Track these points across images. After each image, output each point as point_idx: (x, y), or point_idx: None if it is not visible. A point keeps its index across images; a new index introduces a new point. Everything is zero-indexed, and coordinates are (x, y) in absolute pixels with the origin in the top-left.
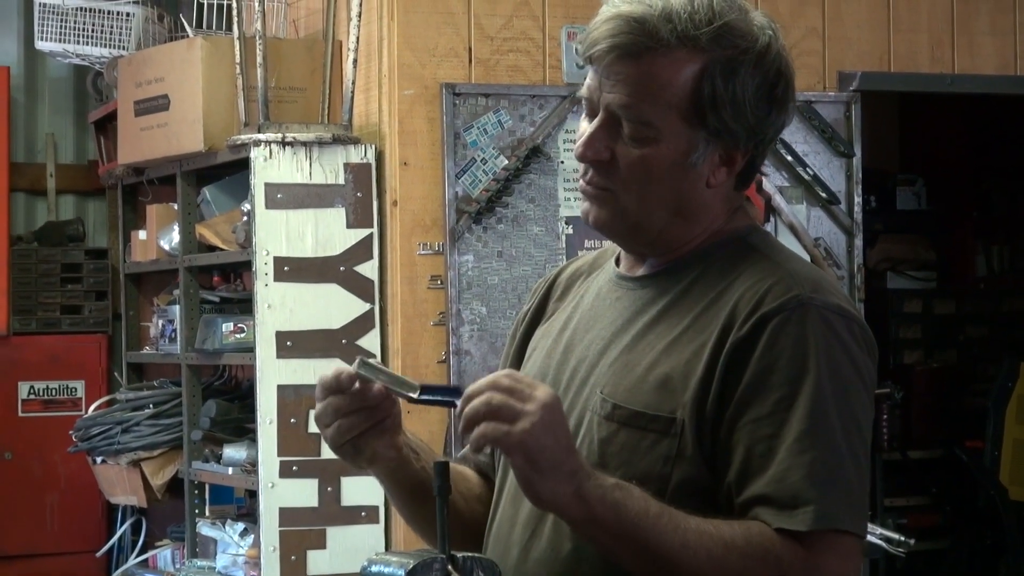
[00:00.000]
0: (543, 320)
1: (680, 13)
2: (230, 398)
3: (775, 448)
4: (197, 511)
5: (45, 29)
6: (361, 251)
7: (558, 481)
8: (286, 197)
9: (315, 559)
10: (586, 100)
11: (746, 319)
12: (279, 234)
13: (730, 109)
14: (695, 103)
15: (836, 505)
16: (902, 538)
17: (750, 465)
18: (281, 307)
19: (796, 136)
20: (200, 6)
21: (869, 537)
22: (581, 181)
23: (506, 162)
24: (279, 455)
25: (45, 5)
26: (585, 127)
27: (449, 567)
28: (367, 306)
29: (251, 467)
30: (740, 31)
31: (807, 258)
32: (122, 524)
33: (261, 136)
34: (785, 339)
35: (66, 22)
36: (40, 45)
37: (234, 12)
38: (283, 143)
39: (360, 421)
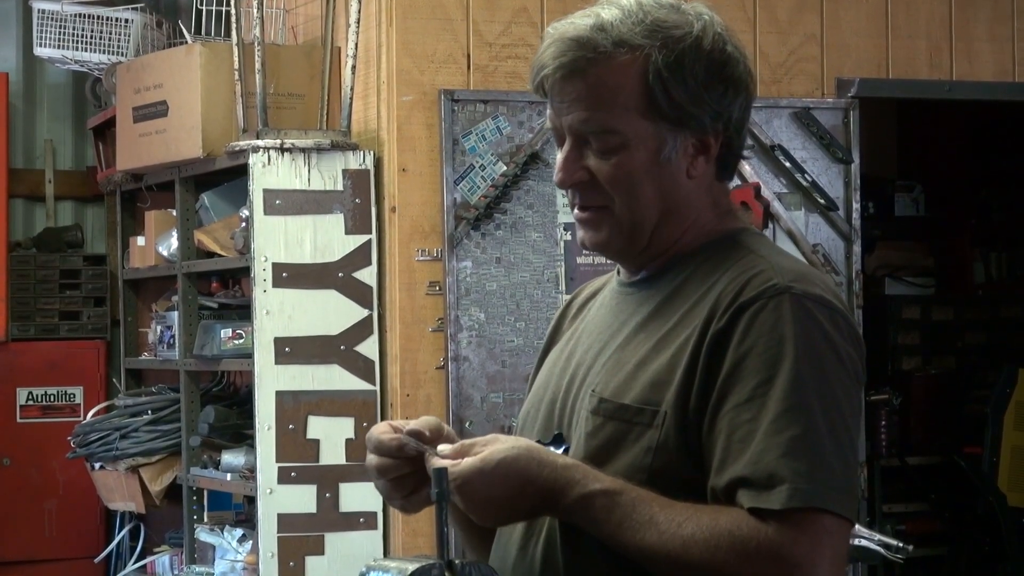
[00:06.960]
0: (557, 341)
1: (612, 22)
2: (228, 404)
3: (753, 431)
4: (195, 517)
5: (44, 35)
6: (359, 257)
7: (517, 518)
8: (284, 203)
9: (313, 565)
10: (553, 131)
11: (725, 310)
12: (278, 240)
13: (684, 95)
14: (649, 98)
15: (814, 484)
16: (900, 544)
17: (730, 451)
18: (279, 313)
19: (794, 143)
20: (199, 12)
21: (867, 543)
22: (575, 210)
23: (504, 168)
24: (277, 461)
25: (44, 11)
26: (560, 156)
27: (447, 573)
28: (365, 312)
29: (249, 473)
30: (672, 22)
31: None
32: (120, 530)
33: (259, 142)
34: (761, 326)
35: (65, 28)
36: (39, 51)
37: (233, 18)
38: (281, 149)
39: (408, 482)
